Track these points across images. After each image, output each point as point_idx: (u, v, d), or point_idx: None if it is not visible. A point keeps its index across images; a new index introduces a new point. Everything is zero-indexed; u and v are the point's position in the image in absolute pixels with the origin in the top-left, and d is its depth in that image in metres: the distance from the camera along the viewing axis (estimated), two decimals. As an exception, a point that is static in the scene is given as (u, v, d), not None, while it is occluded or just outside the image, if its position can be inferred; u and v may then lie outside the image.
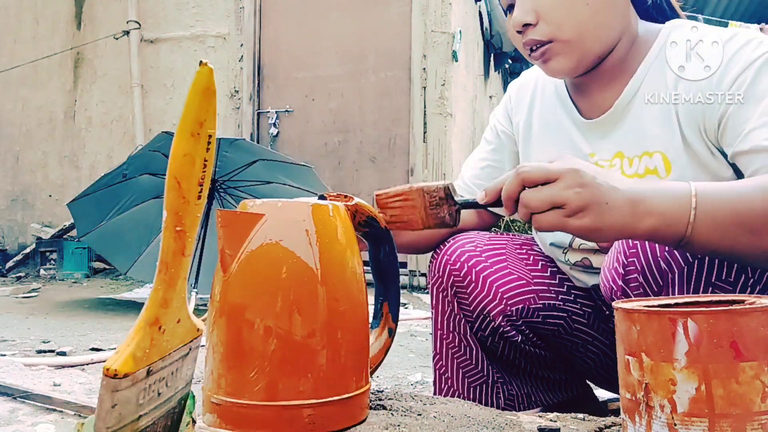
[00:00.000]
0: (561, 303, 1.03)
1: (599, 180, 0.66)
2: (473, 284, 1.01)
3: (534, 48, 0.89)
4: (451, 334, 1.04)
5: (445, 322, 1.05)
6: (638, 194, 0.67)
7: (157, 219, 3.22)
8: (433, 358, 1.08)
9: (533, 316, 1.02)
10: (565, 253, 1.01)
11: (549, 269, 1.06)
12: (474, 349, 1.04)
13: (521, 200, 0.68)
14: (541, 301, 1.02)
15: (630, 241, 0.78)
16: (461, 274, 1.02)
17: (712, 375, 0.50)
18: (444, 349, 1.05)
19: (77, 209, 3.16)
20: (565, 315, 1.03)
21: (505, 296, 1.01)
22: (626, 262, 0.79)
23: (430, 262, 1.08)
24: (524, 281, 1.03)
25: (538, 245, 1.10)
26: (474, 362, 1.04)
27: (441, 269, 1.04)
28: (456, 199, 0.81)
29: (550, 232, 0.99)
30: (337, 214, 0.85)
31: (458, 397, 1.05)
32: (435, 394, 1.08)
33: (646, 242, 0.75)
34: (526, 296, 1.02)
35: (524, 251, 1.08)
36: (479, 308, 1.01)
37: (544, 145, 1.02)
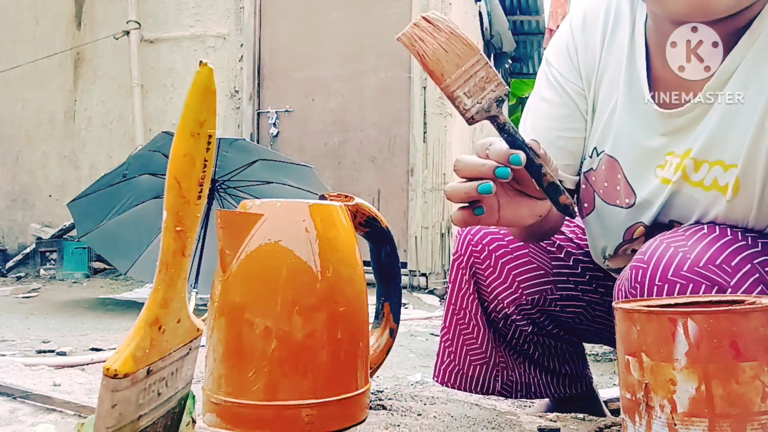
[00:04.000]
0: (580, 293, 1.00)
1: None
2: (491, 269, 0.99)
3: None
4: (462, 311, 1.03)
5: (459, 299, 1.03)
6: None
7: (157, 219, 3.19)
8: (441, 330, 1.07)
9: (550, 306, 0.99)
10: (606, 260, 0.93)
11: (572, 257, 1.01)
12: (482, 331, 1.03)
13: None
14: (558, 292, 0.99)
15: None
16: (481, 257, 0.99)
17: (712, 375, 0.50)
18: (453, 324, 1.04)
19: (77, 209, 3.16)
20: (584, 304, 1.01)
21: (521, 286, 0.98)
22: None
23: (456, 237, 1.05)
24: (543, 271, 0.99)
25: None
26: (480, 343, 1.03)
27: (463, 247, 1.01)
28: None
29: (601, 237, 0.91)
30: (337, 214, 0.85)
31: (457, 373, 1.03)
32: (435, 366, 1.07)
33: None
34: (543, 287, 0.99)
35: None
36: (494, 294, 0.99)
37: (621, 118, 0.83)
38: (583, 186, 0.90)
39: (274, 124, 4.32)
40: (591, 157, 0.87)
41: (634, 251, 0.83)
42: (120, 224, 3.16)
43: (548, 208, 0.71)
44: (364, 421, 0.85)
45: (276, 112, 4.31)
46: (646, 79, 0.80)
